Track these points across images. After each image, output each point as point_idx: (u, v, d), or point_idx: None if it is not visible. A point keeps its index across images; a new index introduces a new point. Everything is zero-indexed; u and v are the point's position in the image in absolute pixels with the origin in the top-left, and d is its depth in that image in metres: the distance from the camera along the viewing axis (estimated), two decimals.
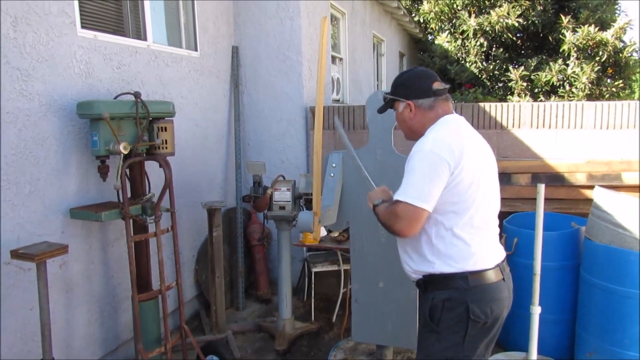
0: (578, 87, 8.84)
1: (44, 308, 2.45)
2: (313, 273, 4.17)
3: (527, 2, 9.42)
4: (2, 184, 2.55)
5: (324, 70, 2.41)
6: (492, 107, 4.21)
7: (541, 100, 9.19)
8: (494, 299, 1.91)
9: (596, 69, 8.80)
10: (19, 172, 2.63)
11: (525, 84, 9.26)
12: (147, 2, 3.64)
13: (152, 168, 3.29)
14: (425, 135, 1.96)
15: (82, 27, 3.03)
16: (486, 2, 9.78)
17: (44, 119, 2.76)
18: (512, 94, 9.37)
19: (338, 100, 6.15)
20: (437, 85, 2.01)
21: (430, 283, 1.96)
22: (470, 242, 1.89)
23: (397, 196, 1.85)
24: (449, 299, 1.90)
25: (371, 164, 2.86)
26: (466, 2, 9.96)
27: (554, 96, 9.21)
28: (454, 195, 1.85)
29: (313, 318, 4.17)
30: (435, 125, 1.98)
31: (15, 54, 2.59)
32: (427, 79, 2.03)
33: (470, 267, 1.89)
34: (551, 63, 9.17)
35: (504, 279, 1.96)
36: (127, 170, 3.01)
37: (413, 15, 11.33)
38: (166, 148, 3.15)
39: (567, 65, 9.09)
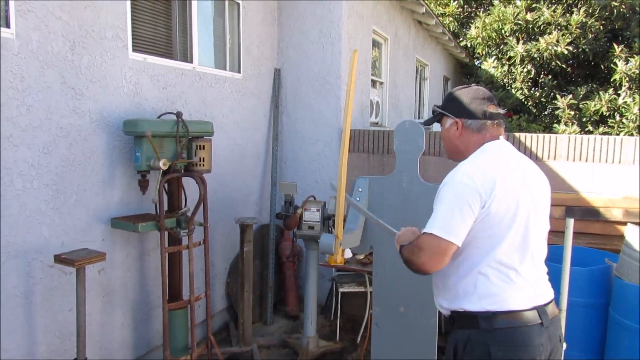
0: (629, 117, 8.56)
1: (81, 310, 2.63)
2: (340, 293, 4.24)
3: (578, 30, 9.25)
4: (52, 192, 2.78)
5: (351, 101, 2.50)
6: (528, 138, 4.19)
7: (589, 130, 8.96)
8: (521, 345, 1.71)
9: None
10: (67, 183, 2.86)
11: (573, 112, 9.05)
12: (195, 27, 3.87)
13: (190, 183, 3.47)
14: (460, 163, 1.84)
15: (134, 50, 3.27)
16: (535, 29, 9.67)
17: (93, 134, 2.99)
18: (558, 122, 9.17)
19: (376, 124, 6.24)
20: (492, 108, 1.88)
21: (457, 320, 1.84)
22: (497, 280, 1.73)
23: (424, 229, 1.73)
24: (470, 339, 1.77)
25: (397, 192, 2.93)
26: (514, 28, 9.88)
27: (603, 126, 8.95)
28: (481, 229, 1.71)
29: (338, 338, 4.22)
30: (475, 153, 1.86)
31: (71, 74, 2.84)
32: (483, 100, 1.88)
33: (496, 307, 1.72)
34: (601, 92, 8.94)
35: (542, 323, 1.73)
36: (166, 185, 3.21)
37: (460, 39, 11.33)
38: (203, 165, 3.32)
39: (618, 95, 8.83)
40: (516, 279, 1.74)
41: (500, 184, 1.70)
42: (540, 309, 1.76)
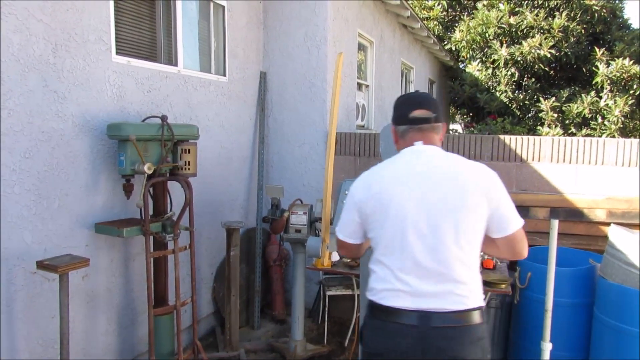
0: (611, 120, 8.70)
1: (64, 317, 2.59)
2: (327, 296, 4.23)
3: (560, 33, 9.39)
4: (34, 198, 2.73)
5: (337, 104, 2.51)
6: (512, 140, 4.23)
7: (572, 132, 9.08)
8: (383, 337, 1.81)
9: (630, 102, 8.66)
10: (50, 188, 2.81)
11: (556, 115, 9.18)
12: (180, 30, 3.84)
13: (176, 187, 3.44)
14: None
15: (117, 53, 3.24)
16: (518, 32, 9.79)
17: (76, 138, 2.95)
18: (542, 124, 9.29)
19: (363, 127, 6.25)
20: (417, 113, 1.87)
21: None
22: (379, 277, 1.84)
23: None
24: (363, 318, 1.98)
25: None
26: (498, 32, 9.99)
27: (585, 128, 9.09)
28: (368, 230, 1.88)
29: (325, 341, 4.21)
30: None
31: (53, 78, 2.80)
32: (409, 106, 1.90)
33: (374, 299, 1.85)
34: (583, 95, 9.07)
35: (417, 326, 1.75)
36: (151, 189, 3.17)
37: (445, 43, 11.41)
38: (189, 169, 3.30)
39: (600, 97, 8.98)
40: (392, 280, 1.79)
41: (377, 189, 1.82)
42: (424, 314, 1.75)
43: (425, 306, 1.76)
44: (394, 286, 1.79)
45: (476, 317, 1.78)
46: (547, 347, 2.79)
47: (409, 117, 1.87)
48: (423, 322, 1.75)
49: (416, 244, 1.76)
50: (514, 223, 1.79)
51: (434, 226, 1.75)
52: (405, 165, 1.85)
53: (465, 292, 1.77)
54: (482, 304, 1.82)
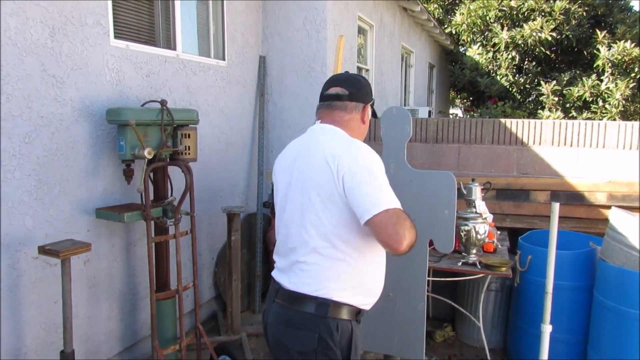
0: (611, 103, 8.67)
1: (67, 302, 2.60)
2: None
3: (562, 16, 9.31)
4: (34, 183, 2.72)
5: None
6: (514, 124, 4.21)
7: (573, 116, 9.05)
8: (266, 302, 1.95)
9: (631, 85, 8.62)
10: (50, 173, 2.81)
11: (556, 98, 9.14)
12: (178, 14, 3.80)
13: (176, 172, 3.43)
14: None
15: (115, 37, 3.20)
16: (519, 15, 9.71)
17: (75, 123, 2.93)
18: (542, 108, 9.26)
19: None
20: (330, 90, 1.88)
21: None
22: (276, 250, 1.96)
23: None
24: None
25: None
26: (499, 15, 9.91)
27: (586, 112, 9.06)
28: None
29: None
30: None
31: (51, 62, 2.77)
32: (327, 84, 1.92)
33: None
34: (584, 78, 9.02)
35: (271, 296, 1.88)
36: (151, 174, 3.17)
37: (445, 26, 11.33)
38: (189, 154, 3.28)
39: (601, 80, 8.93)
40: (278, 256, 1.91)
41: (279, 167, 1.95)
42: (278, 286, 1.85)
43: (279, 279, 1.86)
44: (275, 255, 1.95)
45: (308, 306, 1.73)
46: (547, 329, 2.80)
47: (323, 94, 1.90)
48: (273, 294, 1.86)
49: (282, 220, 1.87)
50: (373, 207, 1.58)
51: (288, 203, 1.83)
52: (295, 143, 1.94)
53: (304, 276, 1.75)
54: (332, 297, 1.72)
